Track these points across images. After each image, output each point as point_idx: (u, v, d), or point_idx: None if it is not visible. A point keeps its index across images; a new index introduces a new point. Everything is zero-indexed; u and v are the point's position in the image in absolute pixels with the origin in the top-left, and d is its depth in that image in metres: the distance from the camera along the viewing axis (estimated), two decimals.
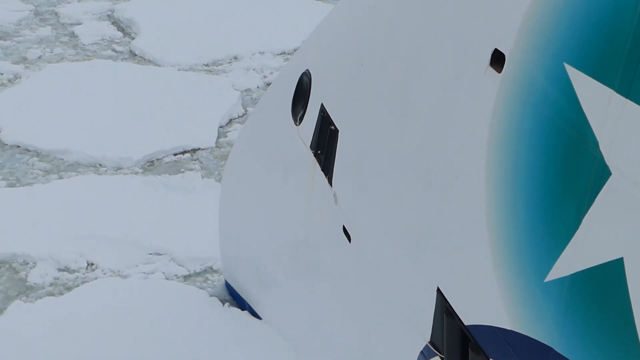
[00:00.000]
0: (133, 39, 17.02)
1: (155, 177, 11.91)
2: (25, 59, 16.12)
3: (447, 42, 4.21)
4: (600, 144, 3.10)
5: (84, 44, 16.83)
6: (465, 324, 4.10)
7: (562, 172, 3.31)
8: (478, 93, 3.80)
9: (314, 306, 6.82)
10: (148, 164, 12.43)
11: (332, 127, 5.82)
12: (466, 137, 3.94)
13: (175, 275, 9.95)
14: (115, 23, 17.92)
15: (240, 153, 8.41)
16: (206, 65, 15.73)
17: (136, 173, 12.20)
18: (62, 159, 12.56)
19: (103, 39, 17.10)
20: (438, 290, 4.32)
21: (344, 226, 5.67)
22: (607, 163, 3.08)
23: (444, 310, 4.27)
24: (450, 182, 4.17)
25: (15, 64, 15.88)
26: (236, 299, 9.28)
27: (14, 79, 15.26)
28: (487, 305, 3.84)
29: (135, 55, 16.35)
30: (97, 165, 12.34)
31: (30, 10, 18.46)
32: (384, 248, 5.13)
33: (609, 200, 3.11)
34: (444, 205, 4.24)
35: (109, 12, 18.47)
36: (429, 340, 4.57)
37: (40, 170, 12.32)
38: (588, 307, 3.27)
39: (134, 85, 14.58)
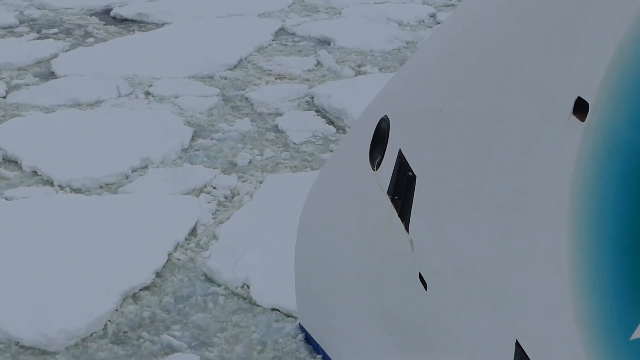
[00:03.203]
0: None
1: None
2: (234, 164, 13.30)
3: (529, 90, 4.16)
4: None
5: (295, 144, 14.19)
6: None
7: None
8: (561, 142, 3.73)
9: (389, 355, 6.72)
10: None
11: (410, 174, 5.77)
12: (548, 186, 3.86)
13: None
14: (320, 112, 15.30)
15: (317, 197, 8.42)
16: None
17: None
18: None
19: (314, 136, 14.40)
20: (517, 343, 4.20)
21: (420, 273, 5.60)
22: None
23: None
24: (532, 232, 4.07)
25: (225, 172, 12.96)
26: (311, 344, 9.24)
27: (232, 195, 12.30)
28: None
29: None
30: None
31: (217, 95, 16.12)
32: (460, 297, 5.04)
33: None
34: (525, 255, 4.14)
35: (308, 98, 15.94)
36: None
37: None
38: None
39: None
